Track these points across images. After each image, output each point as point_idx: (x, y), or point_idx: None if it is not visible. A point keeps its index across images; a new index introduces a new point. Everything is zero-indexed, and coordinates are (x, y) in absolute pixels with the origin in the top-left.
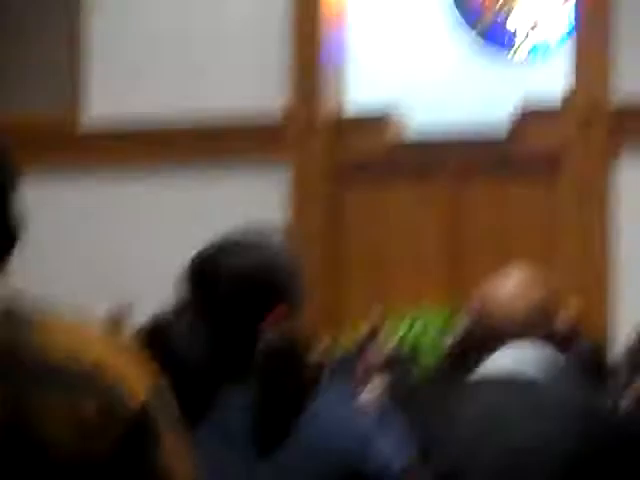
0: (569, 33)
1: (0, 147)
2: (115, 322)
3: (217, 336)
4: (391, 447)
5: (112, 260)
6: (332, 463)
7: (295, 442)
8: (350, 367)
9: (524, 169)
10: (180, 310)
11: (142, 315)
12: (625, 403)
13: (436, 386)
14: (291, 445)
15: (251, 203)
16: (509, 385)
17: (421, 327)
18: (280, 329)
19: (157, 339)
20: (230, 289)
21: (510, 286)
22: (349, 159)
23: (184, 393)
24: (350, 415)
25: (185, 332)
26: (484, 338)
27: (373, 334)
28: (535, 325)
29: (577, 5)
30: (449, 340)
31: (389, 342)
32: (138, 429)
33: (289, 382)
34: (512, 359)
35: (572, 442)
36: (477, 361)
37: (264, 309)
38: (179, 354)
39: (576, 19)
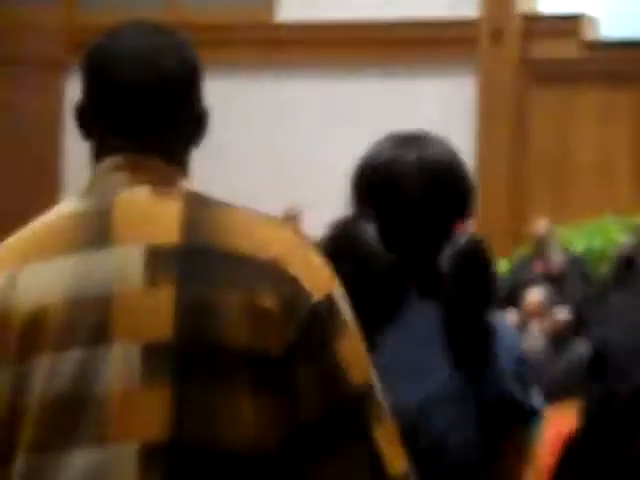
0: None
1: (184, 41)
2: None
3: (406, 239)
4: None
5: (289, 162)
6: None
7: (488, 358)
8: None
9: None
10: (363, 215)
11: (313, 220)
12: None
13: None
14: (482, 360)
15: (438, 109)
16: None
17: (601, 238)
18: (471, 233)
19: (344, 245)
20: (424, 185)
21: None
22: (539, 61)
23: (374, 296)
24: (518, 344)
25: (373, 237)
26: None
27: (540, 246)
28: None
29: None
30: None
31: (562, 250)
32: (317, 320)
33: (483, 288)
34: None
35: None
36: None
37: (456, 211)
38: (369, 259)
39: None
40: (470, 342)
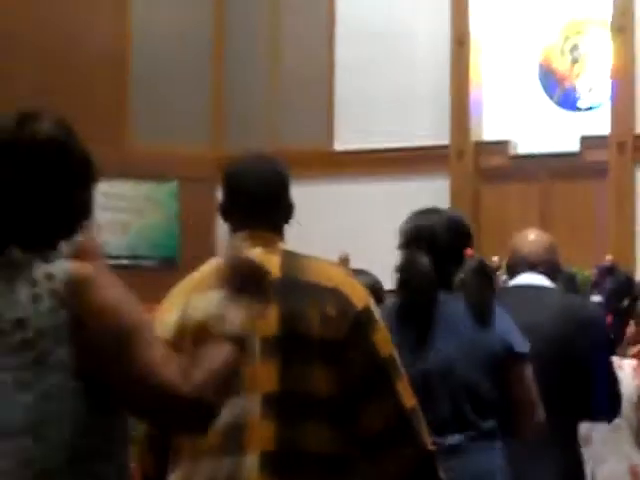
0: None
1: (280, 163)
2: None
3: (439, 267)
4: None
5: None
6: (500, 344)
7: (485, 330)
8: None
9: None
10: (415, 254)
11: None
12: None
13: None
14: (483, 331)
15: (428, 199)
16: (529, 289)
17: None
18: (475, 257)
19: (409, 268)
20: (446, 238)
21: (531, 235)
22: (485, 169)
23: (422, 300)
24: (506, 320)
25: (424, 263)
26: (514, 264)
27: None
28: (544, 259)
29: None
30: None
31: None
32: (361, 321)
33: (487, 290)
34: (532, 277)
35: (563, 324)
36: (511, 277)
37: (464, 247)
38: (424, 274)
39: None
40: (482, 316)
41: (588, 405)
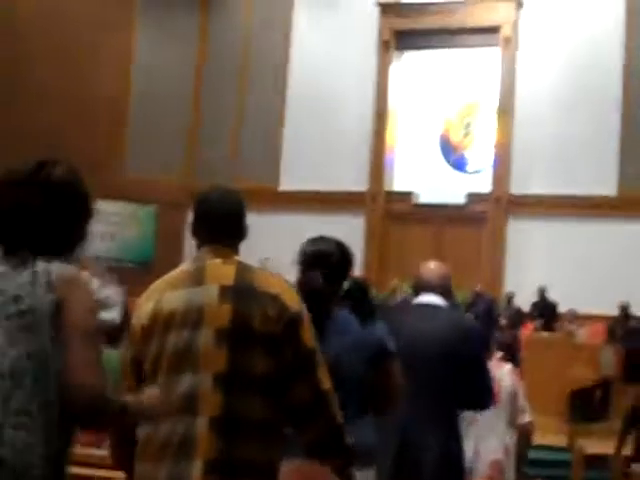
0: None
1: (237, 192)
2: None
3: (331, 283)
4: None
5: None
6: (373, 345)
7: (366, 331)
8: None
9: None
10: (310, 273)
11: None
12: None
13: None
14: (365, 331)
15: (345, 235)
16: (428, 307)
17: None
18: (354, 278)
19: (306, 284)
20: (337, 260)
21: (431, 265)
22: (393, 214)
23: (318, 308)
24: (381, 327)
25: (318, 280)
26: (418, 287)
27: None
28: (440, 284)
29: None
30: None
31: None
32: (293, 321)
33: (365, 301)
34: (430, 297)
35: (451, 332)
36: (416, 296)
37: (349, 269)
38: (318, 289)
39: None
40: (363, 323)
41: (470, 396)
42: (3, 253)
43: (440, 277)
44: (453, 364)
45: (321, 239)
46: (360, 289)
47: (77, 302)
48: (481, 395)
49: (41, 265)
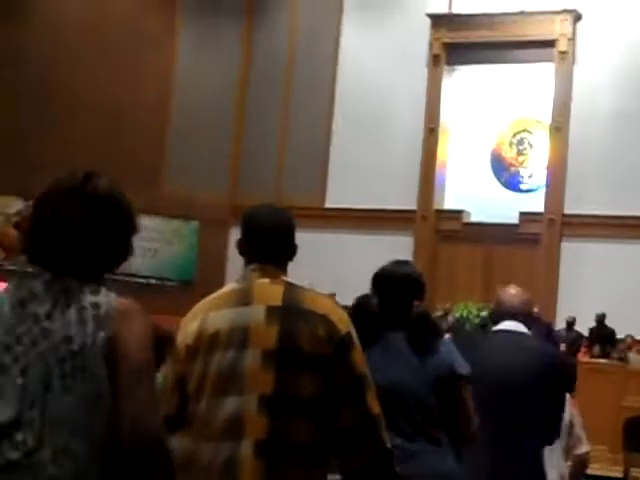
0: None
1: (287, 210)
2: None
3: (396, 308)
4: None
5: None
6: (445, 369)
7: (431, 358)
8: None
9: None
10: (372, 295)
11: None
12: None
13: (477, 333)
14: (429, 358)
15: (397, 253)
16: (511, 334)
17: (468, 309)
18: (421, 305)
19: (361, 307)
20: (402, 285)
21: (512, 290)
22: (443, 232)
23: (371, 332)
24: (451, 349)
25: (375, 305)
26: (499, 313)
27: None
28: (523, 310)
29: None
30: (484, 313)
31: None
32: (344, 342)
33: (429, 328)
34: (513, 324)
35: (545, 364)
36: (495, 323)
37: (415, 296)
38: (374, 313)
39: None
40: (424, 346)
41: (549, 430)
42: (49, 279)
43: (522, 303)
44: (544, 396)
45: (405, 262)
46: (422, 316)
47: (130, 337)
48: (554, 429)
49: (88, 298)
